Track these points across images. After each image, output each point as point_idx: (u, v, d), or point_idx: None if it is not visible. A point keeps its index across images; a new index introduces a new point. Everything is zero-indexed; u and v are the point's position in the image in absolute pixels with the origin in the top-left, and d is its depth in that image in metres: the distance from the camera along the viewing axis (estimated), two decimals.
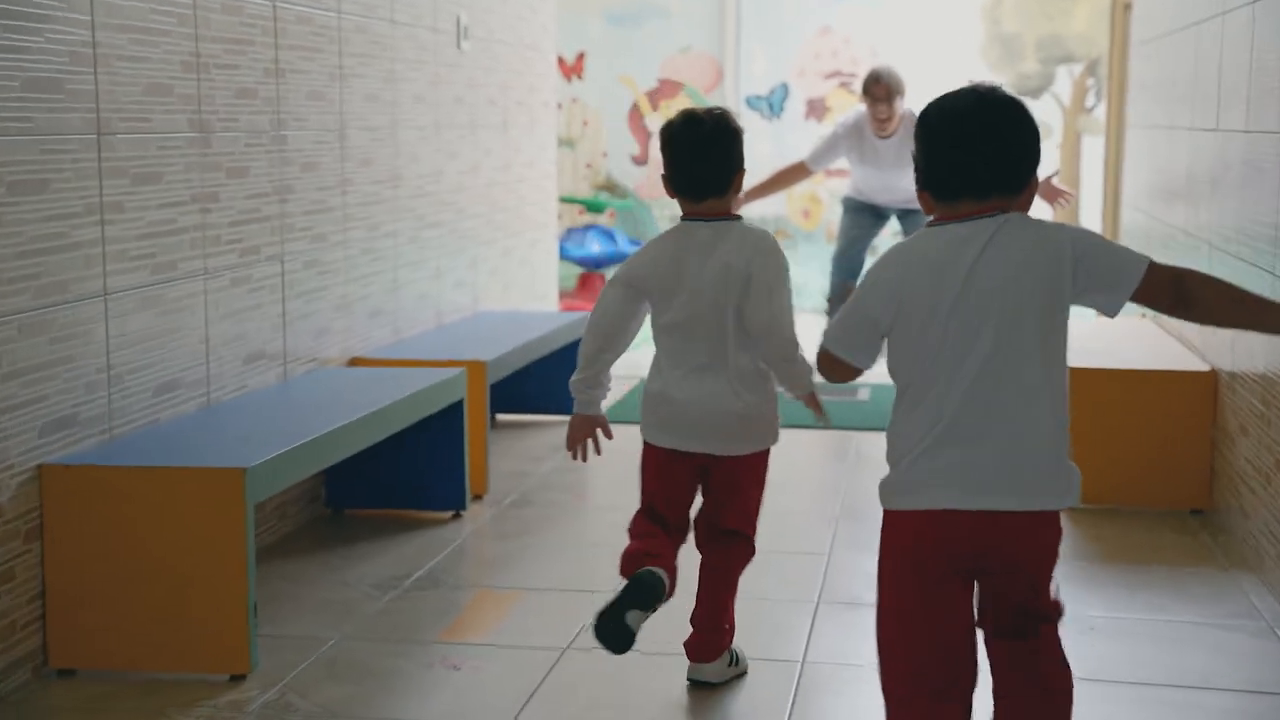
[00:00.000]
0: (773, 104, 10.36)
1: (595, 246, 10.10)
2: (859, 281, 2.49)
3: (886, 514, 2.46)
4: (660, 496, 3.27)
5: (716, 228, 3.18)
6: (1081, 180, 9.88)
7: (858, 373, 2.49)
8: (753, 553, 3.36)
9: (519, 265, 7.05)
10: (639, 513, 3.30)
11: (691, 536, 3.36)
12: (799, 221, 10.20)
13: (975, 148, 2.39)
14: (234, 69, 4.16)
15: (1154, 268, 2.41)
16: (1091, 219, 9.68)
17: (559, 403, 6.39)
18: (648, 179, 10.68)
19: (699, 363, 3.17)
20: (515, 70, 6.93)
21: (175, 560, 3.37)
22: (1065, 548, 2.47)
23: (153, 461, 3.45)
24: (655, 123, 10.60)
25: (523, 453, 5.76)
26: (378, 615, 3.89)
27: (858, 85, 9.74)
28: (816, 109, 10.29)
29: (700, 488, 3.32)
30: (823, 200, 10.13)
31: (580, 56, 10.61)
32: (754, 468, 3.29)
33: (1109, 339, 5.55)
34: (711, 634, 3.35)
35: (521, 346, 5.48)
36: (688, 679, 3.39)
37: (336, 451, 3.91)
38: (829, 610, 3.96)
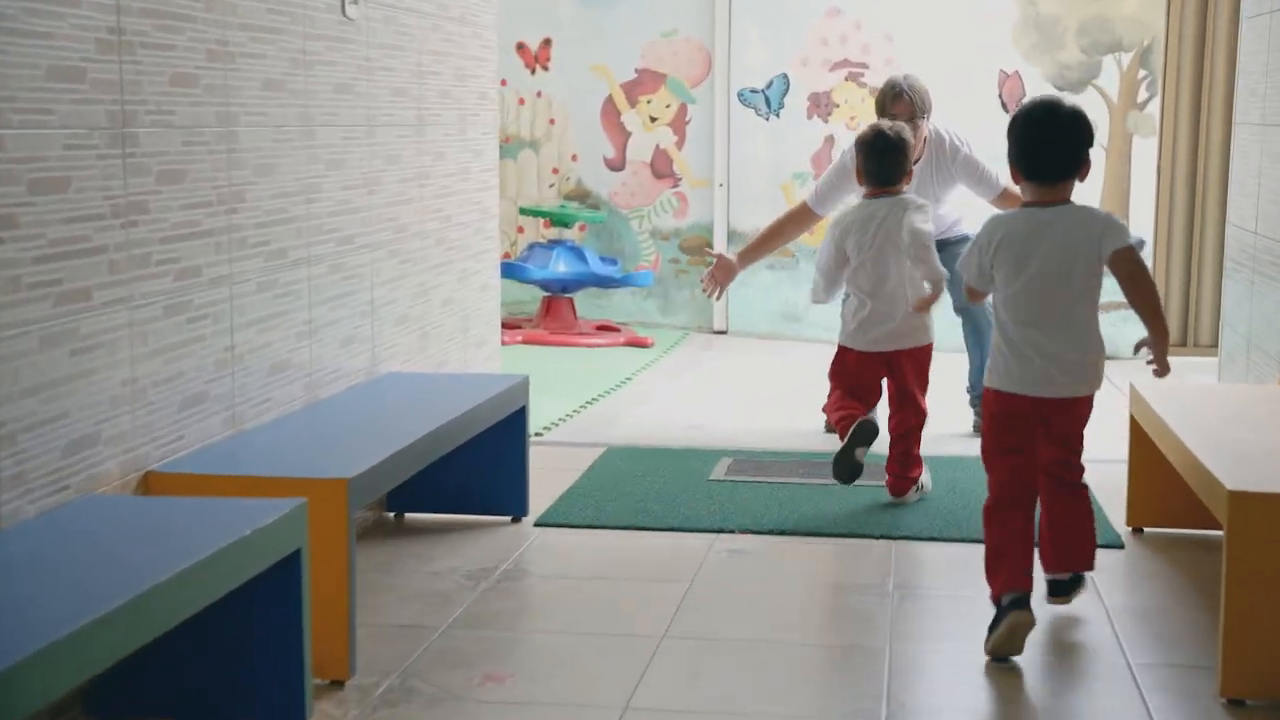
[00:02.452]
0: (770, 99, 9.19)
1: (561, 266, 8.85)
2: (971, 239, 3.79)
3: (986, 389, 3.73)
4: (856, 384, 4.93)
5: (885, 201, 4.95)
6: (1132, 190, 8.59)
7: (982, 295, 3.78)
8: (923, 414, 4.97)
9: (441, 308, 5.34)
10: (838, 392, 4.95)
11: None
12: (802, 237, 8.80)
13: (1042, 151, 3.61)
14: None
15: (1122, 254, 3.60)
16: (1143, 230, 8.31)
17: (488, 498, 4.71)
18: (624, 186, 9.38)
19: (880, 288, 4.89)
20: (436, 51, 5.24)
21: None
22: None
23: None
24: (633, 120, 9.37)
25: (423, 586, 4.04)
26: None
27: (870, 78, 8.91)
28: (821, 105, 9.03)
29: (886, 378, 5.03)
30: None
31: (546, 43, 9.43)
32: (919, 357, 4.92)
33: (1270, 431, 3.88)
34: (903, 476, 4.85)
35: (422, 439, 3.78)
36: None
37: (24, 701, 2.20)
38: None
